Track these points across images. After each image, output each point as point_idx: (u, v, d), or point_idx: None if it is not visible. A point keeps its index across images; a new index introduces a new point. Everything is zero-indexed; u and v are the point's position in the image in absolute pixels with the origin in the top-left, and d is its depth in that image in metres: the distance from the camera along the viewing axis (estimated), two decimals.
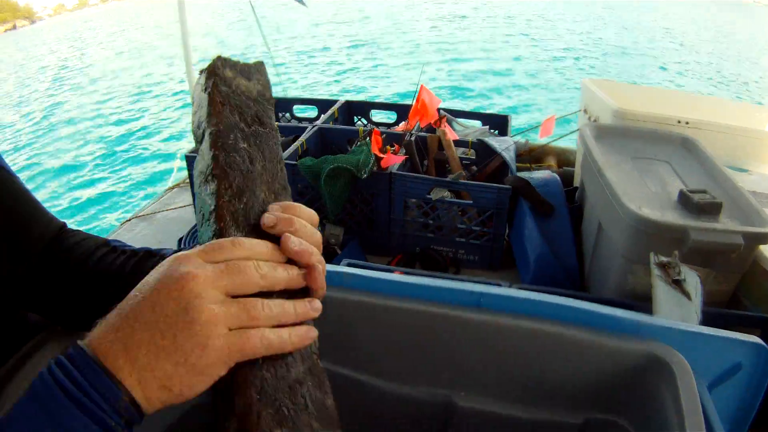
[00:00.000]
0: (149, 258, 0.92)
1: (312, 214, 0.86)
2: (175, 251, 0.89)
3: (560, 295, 1.23)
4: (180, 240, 3.02)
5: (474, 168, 3.47)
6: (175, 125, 11.02)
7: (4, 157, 0.94)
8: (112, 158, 9.91)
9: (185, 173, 4.03)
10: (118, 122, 11.51)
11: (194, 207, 3.48)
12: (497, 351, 1.20)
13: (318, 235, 0.84)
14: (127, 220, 3.75)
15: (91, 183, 8.89)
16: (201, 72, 0.85)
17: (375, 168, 2.98)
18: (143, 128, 11.13)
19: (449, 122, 3.87)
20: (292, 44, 17.74)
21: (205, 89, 0.81)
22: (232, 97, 0.83)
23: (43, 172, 9.75)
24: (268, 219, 0.77)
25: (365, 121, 4.38)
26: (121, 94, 13.28)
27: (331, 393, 0.79)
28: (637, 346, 1.13)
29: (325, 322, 1.24)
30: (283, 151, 3.34)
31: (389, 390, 1.30)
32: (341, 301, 1.23)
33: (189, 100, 4.32)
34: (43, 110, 12.51)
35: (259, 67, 0.93)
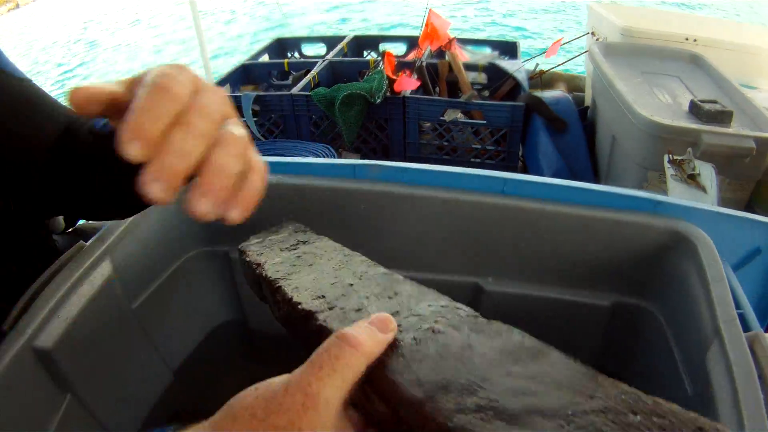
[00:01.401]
0: None
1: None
2: None
3: None
4: None
5: (486, 93, 3.50)
6: None
7: None
8: None
9: None
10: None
11: None
12: (522, 236, 1.23)
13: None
14: None
15: None
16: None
17: (388, 93, 3.02)
18: None
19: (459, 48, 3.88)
20: None
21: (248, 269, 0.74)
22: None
23: None
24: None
25: (375, 54, 4.37)
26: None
27: None
28: (657, 222, 1.14)
29: (353, 217, 1.29)
30: (295, 84, 3.39)
31: (416, 280, 1.33)
32: (368, 193, 1.26)
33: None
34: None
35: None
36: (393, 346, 0.52)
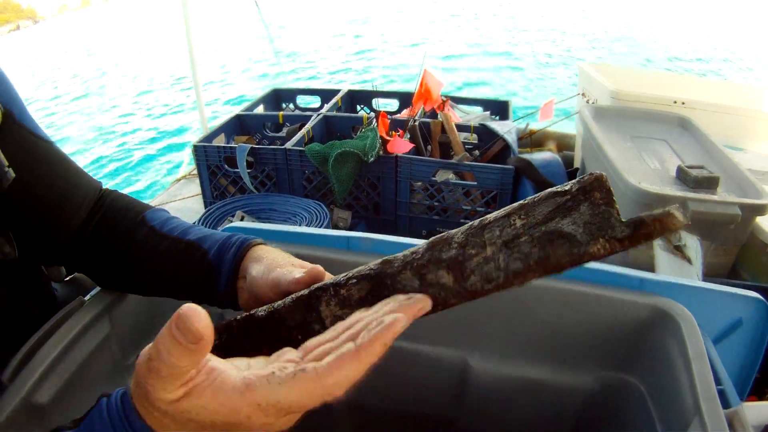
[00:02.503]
0: (193, 250, 0.93)
1: None
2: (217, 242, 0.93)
3: None
4: None
5: (476, 152, 3.54)
6: (184, 116, 10.85)
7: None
8: (128, 153, 9.79)
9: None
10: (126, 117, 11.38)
11: (203, 197, 3.58)
12: (507, 311, 1.24)
13: None
14: None
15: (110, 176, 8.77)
16: None
17: (381, 152, 3.05)
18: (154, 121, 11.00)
19: (451, 108, 3.92)
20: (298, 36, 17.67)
21: None
22: None
23: None
24: None
25: (368, 110, 4.43)
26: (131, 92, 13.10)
27: None
28: (642, 299, 1.15)
29: None
30: (290, 138, 3.43)
31: (404, 350, 1.33)
32: (360, 264, 1.26)
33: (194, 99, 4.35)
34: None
35: None
36: None
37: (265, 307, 0.73)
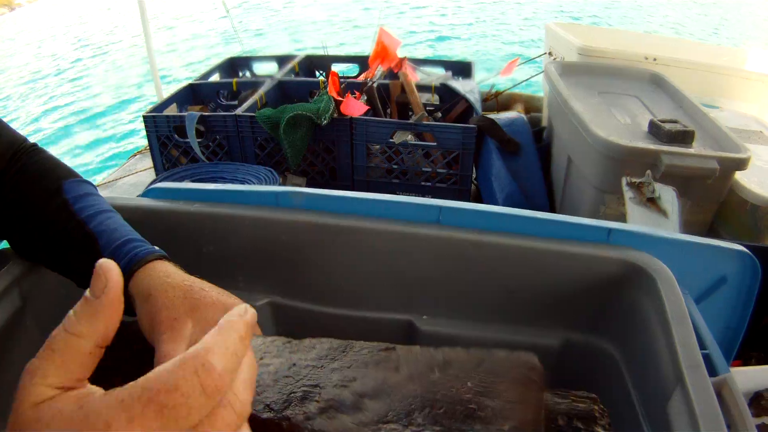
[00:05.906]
0: (89, 243, 0.85)
1: None
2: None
3: None
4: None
5: (438, 114, 3.41)
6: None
7: None
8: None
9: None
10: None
11: (154, 166, 3.45)
12: (461, 270, 1.11)
13: None
14: None
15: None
16: None
17: (335, 115, 2.91)
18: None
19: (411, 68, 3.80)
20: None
21: None
22: None
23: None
24: None
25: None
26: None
27: None
28: (610, 253, 1.03)
29: (275, 248, 1.16)
30: (242, 104, 3.28)
31: (345, 318, 1.20)
32: (291, 224, 1.13)
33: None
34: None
35: None
36: None
37: None
